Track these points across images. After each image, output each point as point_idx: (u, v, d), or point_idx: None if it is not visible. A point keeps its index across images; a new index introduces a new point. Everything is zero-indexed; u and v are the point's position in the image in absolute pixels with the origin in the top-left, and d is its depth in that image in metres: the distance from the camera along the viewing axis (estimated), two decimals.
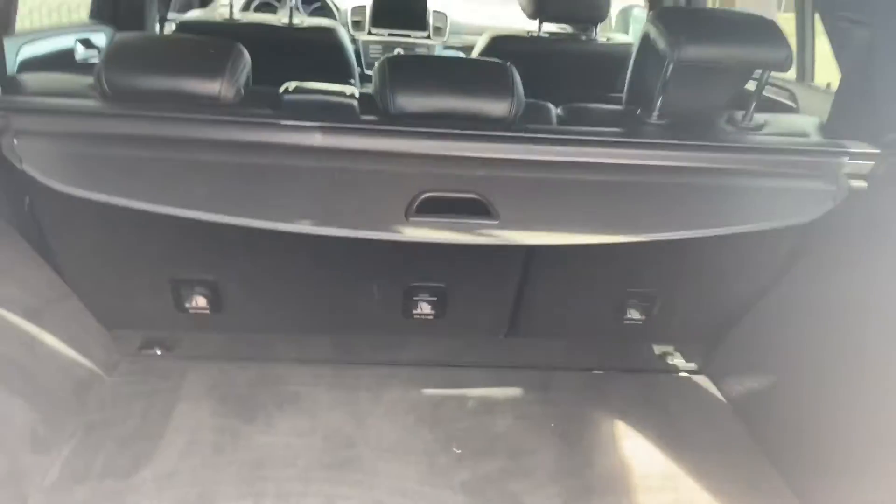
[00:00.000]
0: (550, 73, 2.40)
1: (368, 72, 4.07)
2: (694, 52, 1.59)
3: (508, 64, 1.69)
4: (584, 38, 2.91)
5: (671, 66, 1.63)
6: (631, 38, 3.80)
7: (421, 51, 4.08)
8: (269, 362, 2.09)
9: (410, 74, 1.69)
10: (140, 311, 2.02)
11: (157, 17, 3.01)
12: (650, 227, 1.66)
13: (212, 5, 3.99)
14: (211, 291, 1.97)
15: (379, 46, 4.10)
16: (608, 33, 3.47)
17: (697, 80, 1.68)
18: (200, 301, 1.98)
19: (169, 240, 1.84)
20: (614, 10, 4.29)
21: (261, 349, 2.14)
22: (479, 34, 4.23)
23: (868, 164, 1.68)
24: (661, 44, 1.63)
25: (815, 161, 1.71)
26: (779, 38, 1.62)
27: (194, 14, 3.09)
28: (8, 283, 1.74)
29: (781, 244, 1.88)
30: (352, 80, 2.97)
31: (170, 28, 3.00)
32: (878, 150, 1.68)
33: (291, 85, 1.69)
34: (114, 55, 1.60)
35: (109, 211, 1.60)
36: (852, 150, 1.69)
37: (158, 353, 2.11)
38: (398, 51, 4.10)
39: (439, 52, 4.19)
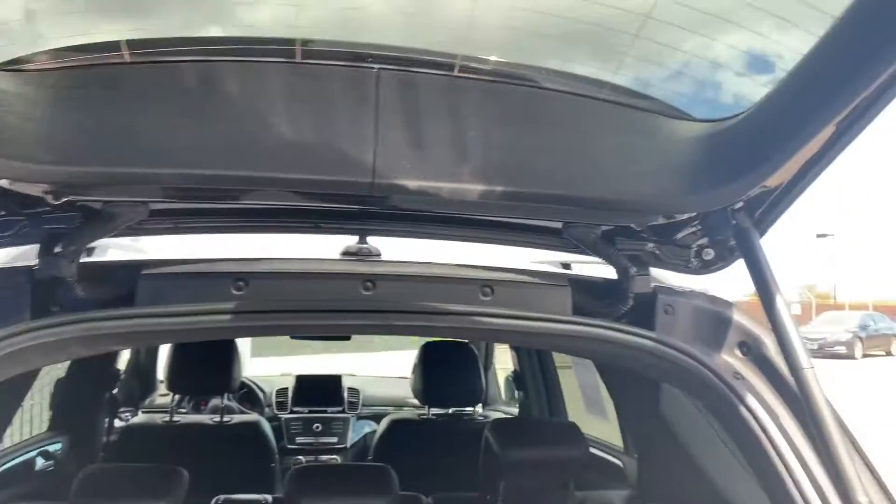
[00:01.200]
0: (438, 450, 2.99)
1: (290, 445, 4.61)
2: (514, 454, 2.20)
3: (388, 468, 2.26)
4: (465, 417, 3.57)
5: (505, 466, 2.22)
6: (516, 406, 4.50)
7: (336, 425, 4.67)
8: None
9: (316, 485, 2.23)
10: None
11: (107, 422, 3.56)
12: None
13: (152, 397, 4.60)
14: None
15: (300, 423, 4.68)
16: (494, 407, 4.16)
17: (530, 477, 2.26)
18: None
19: None
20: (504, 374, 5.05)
21: None
22: (388, 404, 4.91)
23: None
24: (496, 447, 2.25)
25: None
26: (578, 437, 2.27)
27: (139, 418, 3.65)
28: None
29: None
30: (273, 464, 3.47)
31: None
32: None
33: (220, 498, 2.19)
34: (82, 489, 2.09)
35: None
36: None
37: None
38: (317, 426, 4.69)
39: (353, 423, 4.80)
